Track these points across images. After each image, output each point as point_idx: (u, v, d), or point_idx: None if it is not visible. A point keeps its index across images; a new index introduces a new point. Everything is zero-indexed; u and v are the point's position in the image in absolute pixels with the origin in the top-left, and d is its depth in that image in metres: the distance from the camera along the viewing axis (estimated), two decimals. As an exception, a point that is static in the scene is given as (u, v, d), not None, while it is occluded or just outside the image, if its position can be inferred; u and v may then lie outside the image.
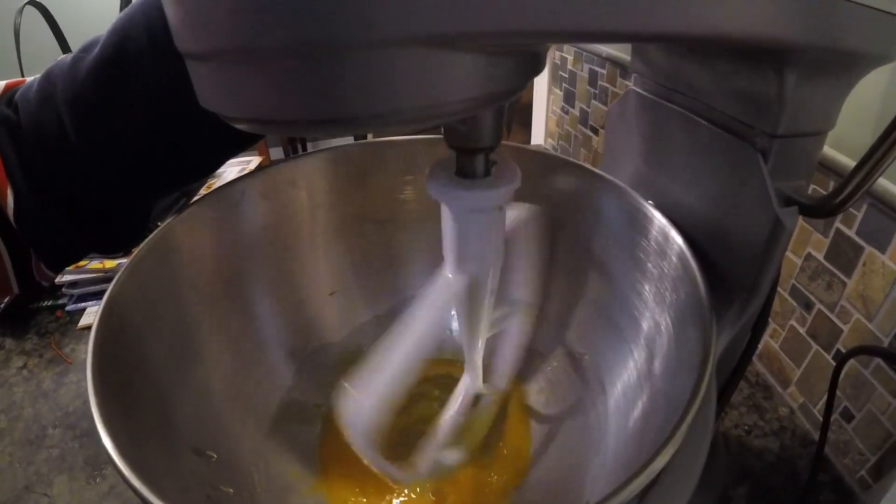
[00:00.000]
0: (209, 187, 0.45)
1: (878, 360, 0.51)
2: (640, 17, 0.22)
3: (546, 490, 0.42)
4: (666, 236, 0.37)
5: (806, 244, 0.58)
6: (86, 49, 0.36)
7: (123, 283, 0.35)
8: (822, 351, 0.58)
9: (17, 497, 0.54)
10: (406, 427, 0.46)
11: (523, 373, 0.50)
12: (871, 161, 0.29)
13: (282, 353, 0.50)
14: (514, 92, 0.24)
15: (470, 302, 0.35)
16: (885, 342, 0.50)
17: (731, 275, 0.37)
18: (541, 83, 1.37)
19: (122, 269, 0.36)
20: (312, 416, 0.48)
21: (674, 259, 0.36)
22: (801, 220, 0.58)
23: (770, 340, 0.66)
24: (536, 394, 0.49)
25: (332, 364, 0.52)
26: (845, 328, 0.55)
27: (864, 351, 0.47)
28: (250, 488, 0.39)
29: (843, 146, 0.52)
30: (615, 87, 1.01)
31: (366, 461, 0.34)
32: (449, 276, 0.34)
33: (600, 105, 1.08)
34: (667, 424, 0.27)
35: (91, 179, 0.37)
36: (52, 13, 1.17)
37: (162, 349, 0.38)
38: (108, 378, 0.30)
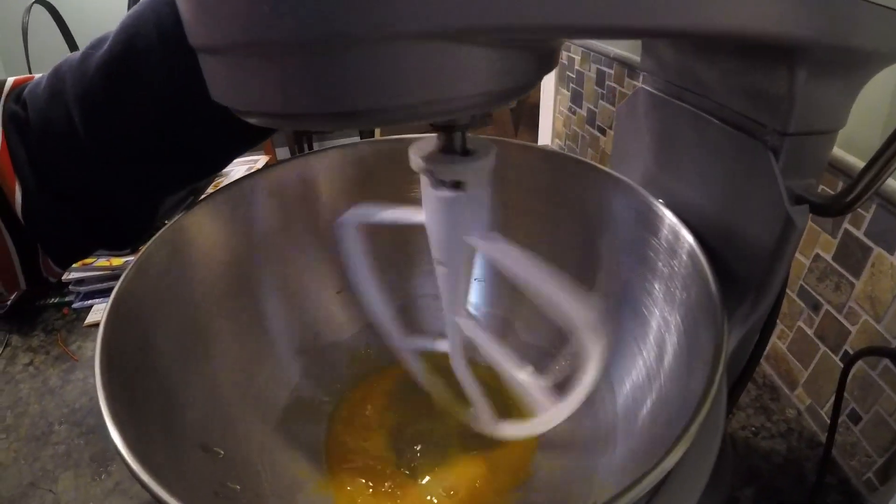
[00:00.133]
0: (216, 186, 0.45)
1: (886, 362, 0.51)
2: (653, 12, 0.22)
3: (553, 489, 0.42)
4: (676, 234, 0.37)
5: (814, 245, 0.58)
6: (95, 45, 0.36)
7: (133, 278, 0.35)
8: (829, 352, 0.58)
9: (22, 493, 0.54)
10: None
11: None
12: (883, 159, 0.29)
13: (289, 351, 0.50)
14: (527, 88, 0.24)
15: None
16: (894, 343, 0.50)
17: (742, 273, 0.36)
18: (548, 83, 1.36)
19: (132, 263, 0.36)
20: (320, 415, 0.48)
21: (684, 257, 0.36)
22: (809, 221, 0.57)
23: (778, 342, 0.66)
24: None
25: (339, 362, 0.52)
26: (853, 329, 0.55)
27: (873, 352, 0.47)
28: (257, 486, 0.39)
29: (852, 147, 0.52)
30: (623, 87, 1.01)
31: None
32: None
33: (608, 105, 1.08)
34: (677, 423, 0.27)
35: (99, 175, 0.37)
36: (60, 12, 1.18)
37: (170, 345, 0.38)
38: (116, 372, 0.30)
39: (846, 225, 0.54)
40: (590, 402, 0.44)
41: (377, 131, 1.38)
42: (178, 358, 0.39)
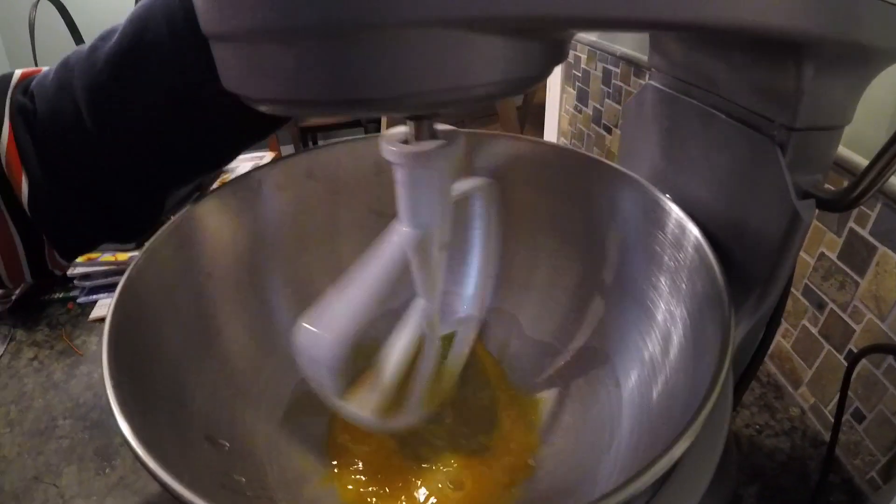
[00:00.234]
0: (223, 181, 0.45)
1: (890, 361, 0.50)
2: (663, 4, 0.22)
3: (557, 483, 0.42)
4: (683, 228, 0.37)
5: (819, 244, 0.58)
6: (104, 38, 0.36)
7: (140, 269, 0.36)
8: (833, 351, 0.58)
9: (26, 487, 0.54)
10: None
11: (535, 366, 0.50)
12: (890, 153, 0.29)
13: (296, 345, 0.50)
14: (540, 78, 0.24)
15: (422, 253, 0.35)
16: (898, 342, 0.50)
17: (748, 268, 0.37)
18: (554, 82, 1.36)
19: (140, 254, 0.36)
20: (325, 409, 0.48)
21: (690, 251, 0.36)
22: (815, 221, 0.57)
23: (782, 340, 0.66)
24: (548, 387, 0.49)
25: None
26: (858, 328, 0.55)
27: (877, 349, 0.47)
28: (262, 478, 0.39)
29: (857, 145, 0.51)
30: (629, 85, 1.01)
31: (331, 401, 0.35)
32: (403, 228, 0.34)
33: (614, 104, 1.08)
34: (682, 417, 0.27)
35: (106, 167, 0.37)
36: (67, 7, 1.18)
37: (177, 337, 0.38)
38: (123, 363, 0.30)
39: (851, 224, 0.54)
40: (594, 395, 0.44)
41: (382, 126, 1.39)
42: (184, 350, 0.39)
